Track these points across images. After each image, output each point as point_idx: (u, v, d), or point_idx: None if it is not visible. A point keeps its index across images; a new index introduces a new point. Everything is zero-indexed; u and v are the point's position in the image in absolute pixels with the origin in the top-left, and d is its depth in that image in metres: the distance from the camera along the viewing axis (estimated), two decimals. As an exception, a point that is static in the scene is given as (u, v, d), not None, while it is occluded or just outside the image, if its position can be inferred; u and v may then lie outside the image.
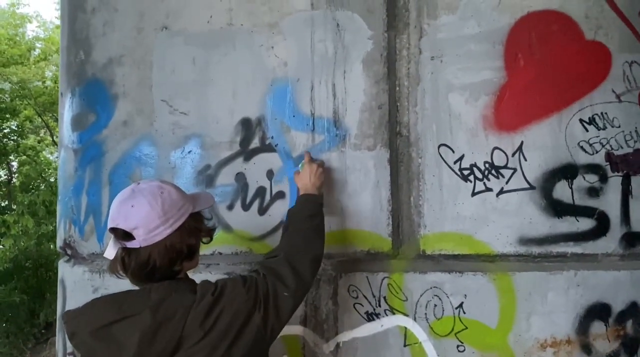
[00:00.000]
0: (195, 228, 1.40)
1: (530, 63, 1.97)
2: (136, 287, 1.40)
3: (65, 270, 2.34)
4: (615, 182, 2.00)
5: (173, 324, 1.30)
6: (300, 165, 1.95)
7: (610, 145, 2.00)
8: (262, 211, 2.01)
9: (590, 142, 1.98)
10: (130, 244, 1.33)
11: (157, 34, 2.11)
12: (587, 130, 1.98)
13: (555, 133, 1.96)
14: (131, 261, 1.34)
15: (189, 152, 2.05)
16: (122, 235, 1.33)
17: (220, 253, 2.02)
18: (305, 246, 1.64)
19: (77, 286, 2.24)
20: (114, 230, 1.34)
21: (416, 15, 2.05)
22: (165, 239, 1.33)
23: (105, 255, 1.33)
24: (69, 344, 2.22)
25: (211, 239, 1.48)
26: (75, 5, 2.34)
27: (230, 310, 1.36)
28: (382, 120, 2.02)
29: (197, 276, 2.01)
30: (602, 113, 2.00)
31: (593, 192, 1.97)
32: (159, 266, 1.34)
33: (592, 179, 1.98)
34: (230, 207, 2.02)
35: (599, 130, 1.99)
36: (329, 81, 2.03)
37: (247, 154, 2.02)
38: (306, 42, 2.04)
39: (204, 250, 2.01)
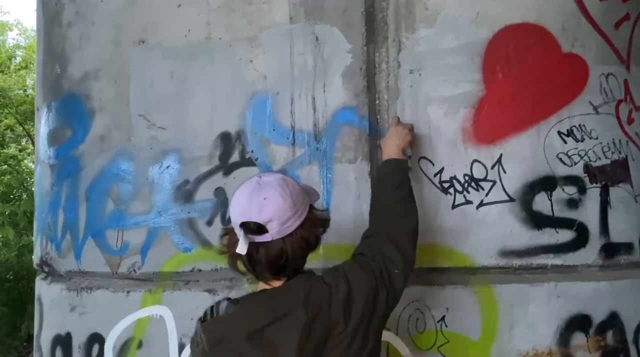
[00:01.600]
0: (316, 219, 1.40)
1: (509, 76, 1.98)
2: (261, 285, 1.38)
3: (43, 287, 2.29)
4: (593, 193, 2.02)
5: (322, 316, 1.30)
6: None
7: (589, 157, 2.01)
8: (242, 226, 1.98)
9: (569, 154, 1.99)
10: (261, 238, 1.30)
11: (134, 48, 2.09)
12: (565, 143, 2.00)
13: (533, 145, 1.97)
14: (261, 256, 1.30)
15: (167, 167, 2.02)
16: (256, 229, 1.30)
17: (200, 270, 1.99)
18: (400, 220, 1.61)
19: (54, 304, 2.20)
20: (245, 224, 1.30)
21: (395, 29, 2.05)
22: (296, 231, 1.32)
23: (238, 251, 1.28)
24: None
25: (324, 231, 1.45)
26: (50, 18, 2.31)
27: (360, 294, 1.36)
28: (363, 133, 2.02)
29: (177, 293, 2.01)
30: (580, 125, 2.01)
31: (572, 203, 1.99)
32: (292, 258, 1.32)
33: (571, 190, 1.99)
34: (210, 222, 1.99)
35: (577, 142, 2.00)
36: (308, 94, 2.02)
37: (227, 168, 2.00)
38: (285, 56, 2.03)
39: (183, 267, 2.01)
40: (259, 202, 1.30)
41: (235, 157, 2.01)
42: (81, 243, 2.10)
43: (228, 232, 1.37)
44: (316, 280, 1.37)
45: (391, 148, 1.78)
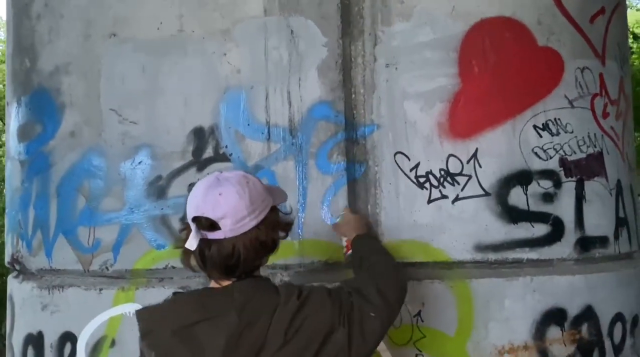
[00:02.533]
0: (276, 221, 1.34)
1: (484, 70, 1.97)
2: (212, 284, 1.33)
3: (14, 286, 2.25)
4: (569, 187, 2.02)
5: (257, 328, 1.23)
6: (338, 218, 1.90)
7: (564, 151, 2.02)
8: (217, 222, 1.96)
9: (544, 148, 2.00)
10: (213, 235, 1.25)
11: (104, 42, 2.04)
12: (540, 136, 2.00)
13: (509, 139, 1.97)
14: (213, 253, 1.26)
15: (140, 163, 1.99)
16: (208, 225, 1.25)
17: (174, 267, 1.96)
18: (389, 273, 1.54)
19: (26, 303, 2.15)
20: (197, 219, 1.26)
21: (371, 22, 2.03)
22: (251, 231, 1.26)
23: (187, 246, 1.24)
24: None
25: (287, 235, 1.40)
26: (19, 11, 2.25)
27: (314, 319, 1.27)
28: (339, 128, 2.00)
29: (150, 290, 1.97)
30: (555, 119, 2.02)
31: (547, 197, 1.99)
32: (244, 259, 1.26)
33: (547, 184, 1.99)
34: (183, 219, 1.96)
35: (552, 136, 2.01)
36: (283, 89, 2.00)
37: (200, 164, 1.97)
38: (260, 49, 2.00)
39: (156, 264, 1.98)
40: (214, 198, 1.26)
41: (209, 152, 1.97)
42: (52, 240, 2.06)
43: (187, 227, 1.31)
44: (265, 288, 1.32)
45: (357, 229, 1.80)
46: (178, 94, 1.99)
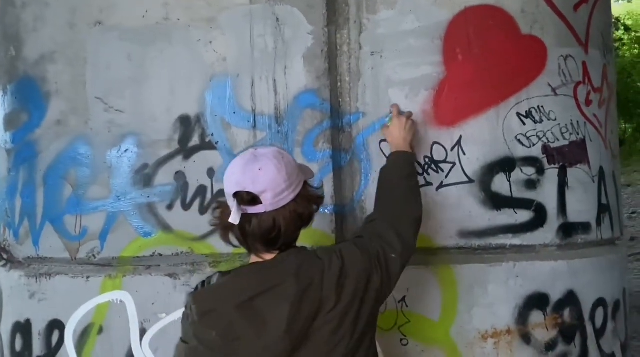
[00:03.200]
0: (310, 195, 1.38)
1: (469, 58, 1.99)
2: (253, 259, 1.36)
3: (1, 275, 2.24)
4: (552, 174, 2.05)
5: (313, 290, 1.28)
6: (388, 119, 1.88)
7: (547, 138, 2.04)
8: (203, 210, 1.97)
9: (528, 135, 2.02)
10: (254, 210, 1.27)
11: (90, 30, 2.04)
12: (524, 124, 2.02)
13: (493, 127, 1.99)
14: (254, 227, 1.28)
15: (126, 151, 1.99)
16: (249, 199, 1.28)
17: (161, 254, 1.98)
18: (405, 209, 1.60)
19: (14, 292, 2.16)
20: (238, 194, 1.29)
21: (356, 10, 2.04)
22: (289, 204, 1.30)
23: (230, 220, 1.26)
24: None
25: (319, 209, 1.43)
26: (5, -1, 2.24)
27: (354, 273, 1.34)
28: (325, 116, 2.01)
29: (138, 278, 1.99)
30: (538, 106, 2.03)
31: (530, 184, 2.02)
32: (285, 231, 1.29)
33: (530, 171, 2.01)
34: (170, 207, 1.97)
35: (535, 123, 2.03)
36: (269, 77, 2.01)
37: (187, 152, 1.98)
38: (245, 37, 2.01)
39: (143, 251, 1.99)
40: (254, 173, 1.28)
41: (195, 140, 1.98)
42: (39, 229, 2.06)
43: (220, 205, 1.35)
44: (308, 254, 1.37)
45: (398, 140, 1.81)
46: (164, 82, 2.00)
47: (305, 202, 1.34)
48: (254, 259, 1.37)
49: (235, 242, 1.35)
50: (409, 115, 1.90)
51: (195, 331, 1.30)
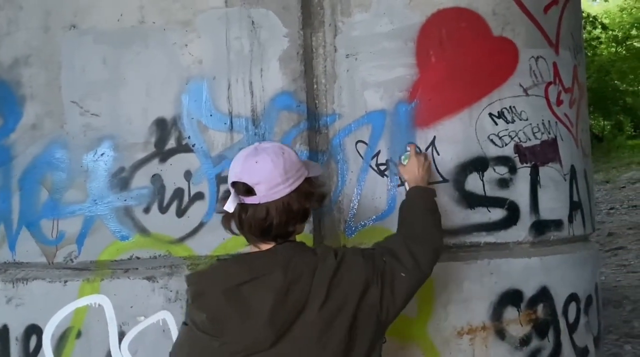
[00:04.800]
0: (309, 192, 1.41)
1: (441, 59, 2.02)
2: (251, 248, 1.41)
3: (-22, 280, 2.23)
4: (524, 173, 2.09)
5: (301, 285, 1.31)
6: (403, 158, 1.90)
7: (519, 138, 2.08)
8: (181, 212, 1.98)
9: (500, 135, 2.06)
10: (249, 200, 1.34)
11: (65, 33, 2.03)
12: (496, 124, 2.06)
13: (466, 127, 2.03)
14: (249, 217, 1.35)
15: (102, 154, 1.99)
16: (244, 190, 1.35)
17: (138, 258, 1.98)
18: (424, 236, 1.60)
19: (-10, 297, 2.14)
20: (235, 184, 1.36)
21: (331, 13, 2.06)
22: (284, 198, 1.35)
23: (225, 208, 1.35)
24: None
25: (320, 206, 1.48)
26: (-23, 2, 2.22)
27: (350, 277, 1.35)
28: (301, 118, 2.03)
29: (116, 281, 1.99)
30: (510, 107, 2.08)
31: (503, 183, 2.06)
32: (276, 223, 1.34)
33: (502, 170, 2.06)
34: (147, 210, 1.97)
35: (507, 123, 2.07)
36: (245, 79, 2.02)
37: (163, 155, 1.98)
38: (221, 40, 2.02)
39: (121, 255, 1.99)
40: (251, 165, 1.36)
41: (171, 143, 1.99)
42: (15, 234, 2.05)
43: (225, 196, 1.41)
44: (303, 249, 1.41)
45: (417, 178, 1.81)
46: (140, 85, 2.00)
47: (302, 198, 1.38)
48: (252, 248, 1.42)
49: (235, 230, 1.41)
50: (426, 155, 1.93)
51: (190, 312, 1.37)
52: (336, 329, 1.32)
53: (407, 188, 1.83)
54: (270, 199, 1.34)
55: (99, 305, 1.98)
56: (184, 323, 1.41)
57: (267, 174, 1.34)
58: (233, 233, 1.42)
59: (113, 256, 1.99)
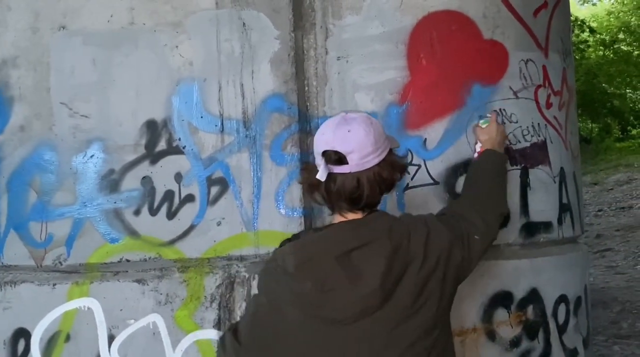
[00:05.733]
0: (395, 161, 1.41)
1: (432, 62, 2.03)
2: (339, 218, 1.40)
3: (-35, 284, 2.20)
4: (514, 175, 2.10)
5: (403, 249, 1.33)
6: (482, 122, 1.92)
7: (509, 140, 2.09)
8: (171, 215, 1.97)
9: (490, 137, 2.06)
10: (340, 169, 1.33)
11: (54, 34, 2.01)
12: (487, 126, 2.06)
13: (456, 129, 2.03)
14: (339, 186, 1.33)
15: (92, 156, 1.98)
16: (336, 159, 1.33)
17: (128, 260, 1.96)
18: (492, 200, 1.64)
19: (-22, 300, 2.12)
20: (326, 153, 1.34)
21: (322, 15, 2.06)
22: (374, 167, 1.34)
23: (317, 176, 1.32)
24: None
25: (402, 177, 1.48)
26: (-35, 3, 2.20)
27: (439, 242, 1.38)
28: (292, 120, 2.03)
29: (105, 284, 1.98)
30: (500, 109, 2.09)
31: (493, 185, 2.06)
32: (367, 193, 1.34)
33: (493, 173, 2.06)
34: (137, 212, 1.96)
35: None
36: (236, 81, 2.02)
37: (153, 157, 1.97)
38: (212, 42, 2.01)
39: (111, 257, 1.98)
40: (343, 134, 1.34)
41: (161, 145, 1.98)
42: (3, 236, 2.03)
43: (306, 166, 1.43)
44: (395, 218, 1.42)
45: (494, 141, 1.84)
46: (130, 86, 1.99)
47: (390, 168, 1.38)
48: (337, 218, 1.41)
49: (320, 200, 1.40)
50: (503, 126, 1.97)
51: (288, 282, 1.33)
52: (429, 292, 1.34)
53: (480, 149, 1.86)
54: (361, 168, 1.33)
55: (88, 308, 1.96)
56: (258, 296, 1.41)
57: (360, 142, 1.33)
58: (316, 203, 1.42)
59: (102, 258, 1.97)
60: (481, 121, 1.93)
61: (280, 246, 1.45)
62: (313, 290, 1.30)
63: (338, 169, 1.33)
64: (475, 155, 1.88)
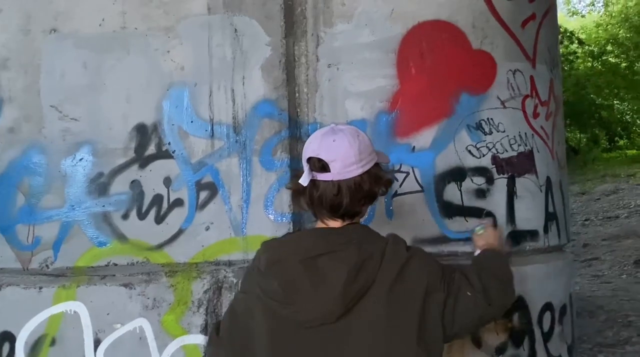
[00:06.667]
0: (378, 175, 1.44)
1: (421, 71, 2.05)
2: (319, 224, 1.44)
3: (-50, 286, 2.18)
4: (501, 183, 2.12)
5: (371, 265, 1.34)
6: (478, 228, 1.80)
7: (496, 149, 2.12)
8: (160, 219, 1.97)
9: (478, 146, 2.09)
10: (322, 176, 1.38)
11: (45, 37, 2.01)
12: (474, 135, 2.09)
13: (444, 138, 2.06)
14: (321, 192, 1.38)
15: (81, 159, 1.97)
16: (319, 166, 1.38)
17: (116, 264, 1.96)
18: (496, 280, 1.51)
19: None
20: (310, 160, 1.40)
21: (313, 23, 2.08)
22: (355, 178, 1.38)
23: (300, 181, 1.38)
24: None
25: (386, 192, 1.50)
26: (-44, 4, 2.19)
27: (419, 275, 1.36)
28: (283, 126, 2.04)
29: (92, 288, 1.97)
30: (488, 118, 2.11)
31: (480, 193, 2.09)
32: (347, 201, 1.38)
33: (480, 181, 2.09)
34: (125, 216, 1.96)
35: (485, 135, 2.10)
36: (227, 86, 2.03)
37: (143, 160, 1.98)
38: (204, 47, 2.03)
39: (98, 261, 1.97)
40: (328, 143, 1.39)
41: (151, 149, 1.98)
42: (-9, 238, 2.02)
43: (297, 174, 1.45)
44: (373, 232, 1.44)
45: (492, 245, 1.73)
46: (120, 90, 1.99)
47: (372, 180, 1.41)
48: (319, 225, 1.46)
49: (304, 206, 1.44)
50: (500, 230, 1.91)
51: (258, 280, 1.38)
52: (407, 316, 1.33)
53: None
54: (343, 177, 1.37)
55: (75, 312, 1.95)
56: (241, 292, 1.46)
57: (343, 152, 1.37)
58: (302, 209, 1.46)
59: (90, 262, 1.97)
60: (477, 228, 1.82)
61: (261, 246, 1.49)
62: (279, 290, 1.34)
63: (321, 176, 1.38)
64: None
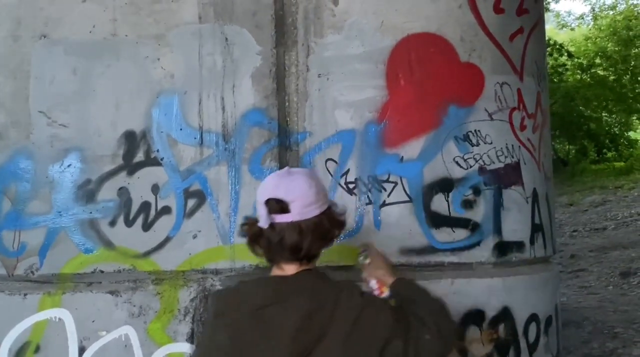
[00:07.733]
0: (334, 216, 1.43)
1: (410, 82, 2.07)
2: (274, 271, 1.41)
3: None
4: (488, 195, 2.14)
5: (324, 313, 1.30)
6: (362, 258, 1.70)
7: (483, 161, 2.14)
8: (147, 226, 1.97)
9: (465, 157, 2.11)
10: (281, 218, 1.34)
11: (35, 43, 2.01)
12: (462, 147, 2.11)
13: (432, 148, 2.07)
14: (280, 236, 1.35)
15: (69, 166, 1.97)
16: (278, 208, 1.35)
17: (102, 271, 1.95)
18: (442, 312, 1.49)
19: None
20: (269, 202, 1.36)
21: (304, 33, 2.10)
22: (315, 218, 1.37)
23: (260, 225, 1.35)
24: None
25: (339, 233, 1.48)
26: (-55, 8, 2.18)
27: (375, 323, 1.33)
28: (272, 134, 2.05)
29: (78, 295, 1.96)
30: (475, 130, 2.14)
31: (468, 204, 2.11)
32: (308, 243, 1.35)
33: (467, 192, 2.10)
34: (113, 223, 1.96)
35: (472, 146, 2.12)
36: (217, 95, 2.03)
37: (131, 167, 1.97)
38: (194, 55, 2.03)
39: (84, 268, 1.96)
40: (286, 183, 1.38)
41: (140, 156, 1.98)
42: (-23, 244, 2.00)
43: (248, 221, 1.42)
44: (327, 279, 1.41)
45: (386, 273, 1.65)
46: (110, 97, 1.99)
47: (331, 220, 1.42)
48: (275, 271, 1.42)
49: (260, 252, 1.41)
50: (380, 251, 1.75)
51: (209, 329, 1.40)
52: None
53: (378, 285, 1.63)
54: (303, 218, 1.35)
55: (60, 319, 1.94)
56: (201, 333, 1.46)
57: (303, 192, 1.37)
58: (257, 255, 1.42)
59: (76, 269, 1.96)
60: (360, 259, 1.71)
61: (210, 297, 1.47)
62: (229, 344, 1.32)
63: (280, 218, 1.35)
64: (377, 292, 1.61)
